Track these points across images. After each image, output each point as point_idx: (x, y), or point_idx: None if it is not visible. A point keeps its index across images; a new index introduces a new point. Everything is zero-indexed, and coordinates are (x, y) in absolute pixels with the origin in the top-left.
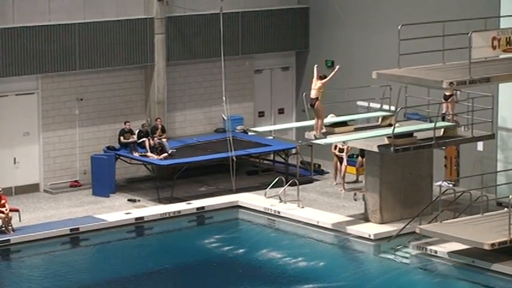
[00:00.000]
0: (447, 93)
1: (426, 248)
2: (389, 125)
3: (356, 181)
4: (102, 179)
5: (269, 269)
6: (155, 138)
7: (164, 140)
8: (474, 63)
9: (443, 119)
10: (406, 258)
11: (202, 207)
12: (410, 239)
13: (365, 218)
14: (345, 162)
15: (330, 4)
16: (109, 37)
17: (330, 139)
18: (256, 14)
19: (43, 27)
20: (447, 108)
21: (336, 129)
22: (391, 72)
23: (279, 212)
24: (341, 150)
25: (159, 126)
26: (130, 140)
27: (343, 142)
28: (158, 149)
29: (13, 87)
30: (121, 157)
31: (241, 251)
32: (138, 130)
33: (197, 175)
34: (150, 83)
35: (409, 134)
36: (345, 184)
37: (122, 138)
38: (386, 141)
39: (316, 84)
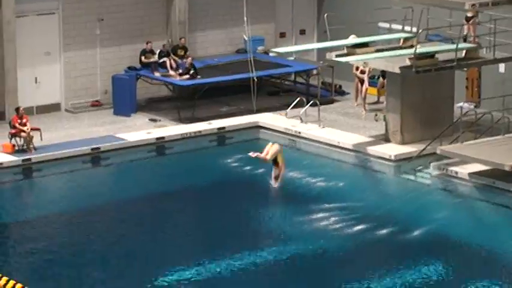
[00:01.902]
0: (469, 15)
1: (447, 169)
2: (411, 47)
3: (377, 102)
4: (123, 99)
5: (289, 188)
6: (188, 58)
7: (187, 59)
8: None
9: (464, 41)
10: (427, 179)
11: (223, 127)
12: (431, 160)
13: (386, 138)
14: (366, 84)
15: None
16: None
17: (352, 57)
18: None
19: None
20: (469, 29)
21: (357, 50)
22: None
23: (299, 133)
24: (362, 72)
25: (182, 45)
26: (151, 60)
27: (365, 63)
28: (189, 70)
29: (34, 7)
30: (142, 77)
31: (261, 170)
32: (159, 50)
33: (218, 95)
34: (171, 3)
35: (431, 56)
36: (366, 105)
37: (143, 58)
38: (407, 63)
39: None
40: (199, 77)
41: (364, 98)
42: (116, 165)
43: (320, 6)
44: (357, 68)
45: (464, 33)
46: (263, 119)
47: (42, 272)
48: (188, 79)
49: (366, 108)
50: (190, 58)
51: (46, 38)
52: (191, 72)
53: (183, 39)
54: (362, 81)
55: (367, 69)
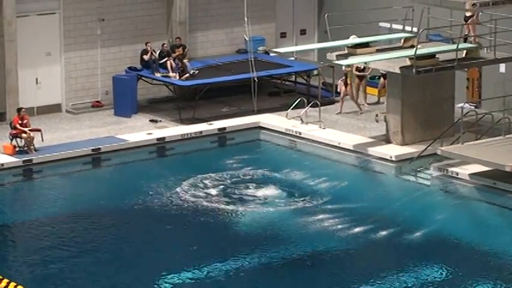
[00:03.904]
0: (467, 14)
1: (447, 170)
2: (412, 47)
3: (377, 102)
4: (124, 100)
5: (289, 189)
6: (176, 59)
7: (185, 60)
8: None
9: (465, 41)
10: (427, 179)
11: (224, 128)
12: (432, 161)
13: (386, 139)
14: (346, 81)
15: None
16: None
17: (352, 60)
18: None
19: None
20: (468, 29)
21: (358, 51)
22: None
23: (300, 133)
24: (358, 69)
25: (179, 44)
26: (152, 57)
27: (365, 63)
28: (180, 69)
29: (35, 7)
30: (143, 77)
31: (262, 171)
32: (159, 51)
33: (219, 96)
34: (171, 3)
35: (431, 56)
36: (364, 105)
37: (144, 56)
38: (408, 63)
39: None
40: (187, 75)
41: (356, 97)
42: (116, 165)
43: (321, 6)
44: (356, 69)
45: (465, 33)
46: (264, 120)
47: (41, 273)
48: (187, 79)
49: (360, 108)
50: (177, 59)
51: (47, 38)
52: (192, 72)
53: (178, 39)
54: (361, 79)
55: (353, 68)
